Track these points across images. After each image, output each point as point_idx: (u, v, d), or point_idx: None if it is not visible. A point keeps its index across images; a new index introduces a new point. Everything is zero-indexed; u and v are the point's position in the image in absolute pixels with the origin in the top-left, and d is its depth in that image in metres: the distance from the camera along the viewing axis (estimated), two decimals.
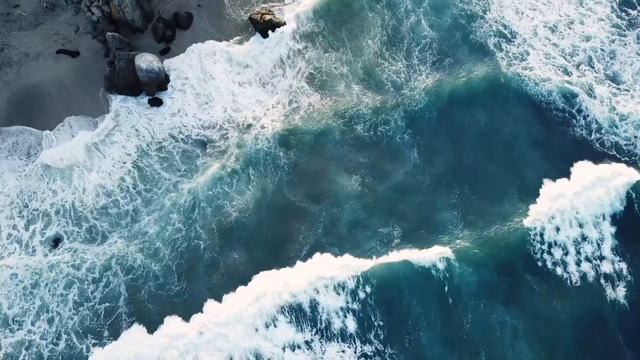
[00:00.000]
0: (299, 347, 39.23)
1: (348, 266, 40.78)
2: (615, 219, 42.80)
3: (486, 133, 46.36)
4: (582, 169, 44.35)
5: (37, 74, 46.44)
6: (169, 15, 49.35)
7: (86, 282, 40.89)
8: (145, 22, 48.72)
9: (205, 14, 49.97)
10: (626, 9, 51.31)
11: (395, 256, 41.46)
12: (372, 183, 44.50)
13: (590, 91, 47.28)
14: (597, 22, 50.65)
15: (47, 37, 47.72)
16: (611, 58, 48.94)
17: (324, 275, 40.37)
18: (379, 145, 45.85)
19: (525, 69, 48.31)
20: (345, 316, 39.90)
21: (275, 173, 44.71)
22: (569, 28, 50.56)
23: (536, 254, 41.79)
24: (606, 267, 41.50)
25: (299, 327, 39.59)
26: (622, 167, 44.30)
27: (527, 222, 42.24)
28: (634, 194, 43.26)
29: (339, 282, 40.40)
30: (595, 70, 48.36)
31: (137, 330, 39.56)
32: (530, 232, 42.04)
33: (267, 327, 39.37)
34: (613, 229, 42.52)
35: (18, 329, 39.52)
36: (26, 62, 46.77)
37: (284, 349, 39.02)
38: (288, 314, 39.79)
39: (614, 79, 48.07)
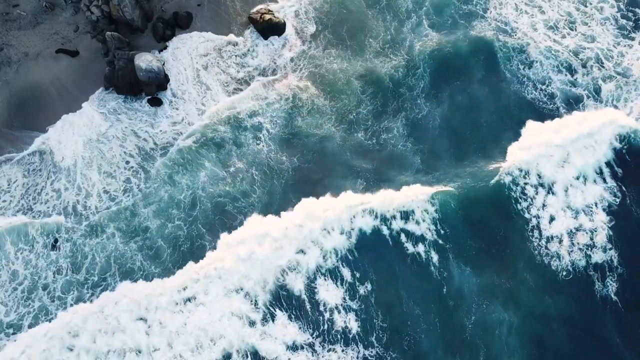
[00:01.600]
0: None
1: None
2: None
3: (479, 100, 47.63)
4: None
5: (37, 73, 46.30)
6: (169, 15, 49.25)
7: (85, 286, 40.78)
8: (145, 22, 48.60)
9: (205, 14, 49.92)
10: (633, 9, 51.26)
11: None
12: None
13: (596, 93, 47.45)
14: (601, 23, 50.64)
15: (46, 36, 47.61)
16: (620, 56, 49.12)
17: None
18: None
19: (525, 65, 48.58)
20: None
21: (280, 175, 44.65)
22: (571, 29, 50.54)
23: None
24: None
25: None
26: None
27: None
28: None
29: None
30: (604, 68, 48.66)
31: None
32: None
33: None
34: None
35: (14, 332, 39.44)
36: (25, 61, 46.65)
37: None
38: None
39: (623, 74, 48.48)
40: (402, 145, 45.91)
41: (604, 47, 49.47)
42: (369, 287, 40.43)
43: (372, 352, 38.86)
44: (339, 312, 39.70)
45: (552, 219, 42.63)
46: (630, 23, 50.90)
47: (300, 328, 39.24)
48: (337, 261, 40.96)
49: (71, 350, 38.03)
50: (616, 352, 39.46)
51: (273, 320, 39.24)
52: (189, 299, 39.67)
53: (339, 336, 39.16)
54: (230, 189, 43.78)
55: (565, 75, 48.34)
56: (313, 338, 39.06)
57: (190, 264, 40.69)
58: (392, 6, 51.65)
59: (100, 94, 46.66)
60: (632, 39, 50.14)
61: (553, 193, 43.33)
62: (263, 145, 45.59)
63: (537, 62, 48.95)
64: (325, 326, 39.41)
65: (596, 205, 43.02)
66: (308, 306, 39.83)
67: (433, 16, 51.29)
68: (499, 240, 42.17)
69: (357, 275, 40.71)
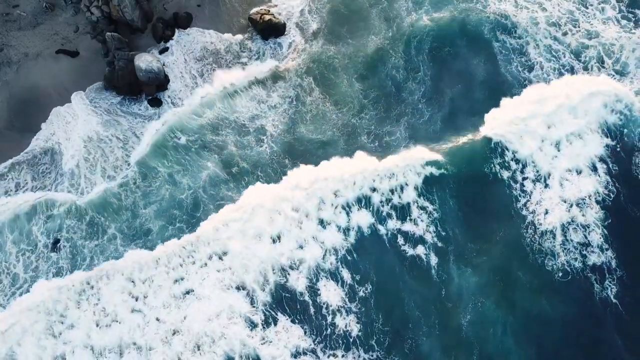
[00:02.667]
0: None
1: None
2: None
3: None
4: None
5: (37, 74, 46.32)
6: (169, 16, 49.20)
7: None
8: (145, 22, 48.55)
9: (205, 15, 49.87)
10: (633, 10, 51.34)
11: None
12: None
13: None
14: (603, 22, 50.66)
15: (46, 37, 47.58)
16: (620, 51, 49.18)
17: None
18: None
19: (526, 67, 48.64)
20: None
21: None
22: (574, 27, 50.49)
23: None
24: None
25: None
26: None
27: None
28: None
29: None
30: (604, 67, 48.75)
31: None
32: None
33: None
34: None
35: None
36: (25, 62, 46.63)
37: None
38: None
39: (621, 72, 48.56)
40: (404, 146, 45.88)
41: (607, 42, 49.34)
42: (369, 287, 40.46)
43: (372, 355, 38.96)
44: (340, 313, 39.73)
45: (547, 212, 42.73)
46: (631, 23, 50.79)
47: (301, 331, 39.16)
48: (337, 261, 41.07)
49: (65, 344, 38.12)
50: (617, 353, 39.42)
51: (274, 324, 39.20)
52: (187, 292, 39.81)
53: (340, 340, 39.09)
54: (232, 194, 43.75)
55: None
56: (315, 344, 38.93)
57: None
58: (392, 5, 51.47)
59: (89, 94, 46.80)
60: (633, 33, 50.06)
61: (547, 185, 43.60)
62: (266, 148, 45.51)
63: (537, 64, 48.89)
64: (328, 330, 39.28)
65: (589, 198, 43.20)
66: (308, 307, 39.85)
67: (432, 14, 51.18)
68: (496, 238, 42.32)
69: (356, 275, 40.74)
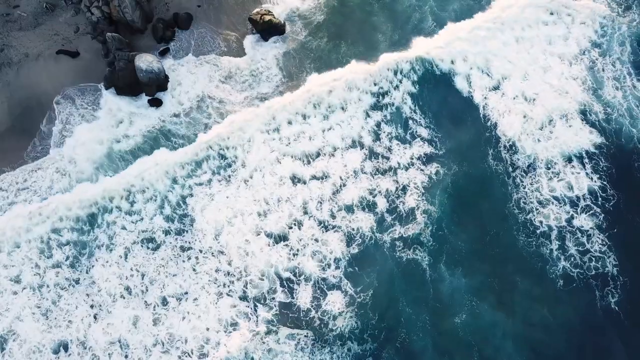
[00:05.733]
0: None
1: None
2: None
3: None
4: None
5: (37, 74, 46.51)
6: (169, 16, 49.18)
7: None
8: (145, 23, 48.59)
9: (205, 15, 49.77)
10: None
11: None
12: None
13: None
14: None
15: (47, 37, 47.73)
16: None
17: None
18: None
19: None
20: None
21: None
22: None
23: None
24: None
25: None
26: None
27: None
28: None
29: None
30: None
31: None
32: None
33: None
34: None
35: None
36: (26, 62, 46.80)
37: None
38: None
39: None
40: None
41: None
42: (369, 292, 40.49)
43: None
44: (341, 314, 39.75)
45: (546, 215, 42.70)
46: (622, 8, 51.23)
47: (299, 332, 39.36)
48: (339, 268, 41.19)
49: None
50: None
51: (276, 334, 39.33)
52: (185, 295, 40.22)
53: (337, 340, 39.15)
54: None
55: None
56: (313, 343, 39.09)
57: None
58: (396, 3, 51.39)
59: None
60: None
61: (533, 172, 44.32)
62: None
63: None
64: (328, 335, 39.39)
65: (584, 198, 43.20)
66: (305, 311, 40.00)
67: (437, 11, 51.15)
68: (494, 241, 42.32)
69: (356, 281, 40.85)
